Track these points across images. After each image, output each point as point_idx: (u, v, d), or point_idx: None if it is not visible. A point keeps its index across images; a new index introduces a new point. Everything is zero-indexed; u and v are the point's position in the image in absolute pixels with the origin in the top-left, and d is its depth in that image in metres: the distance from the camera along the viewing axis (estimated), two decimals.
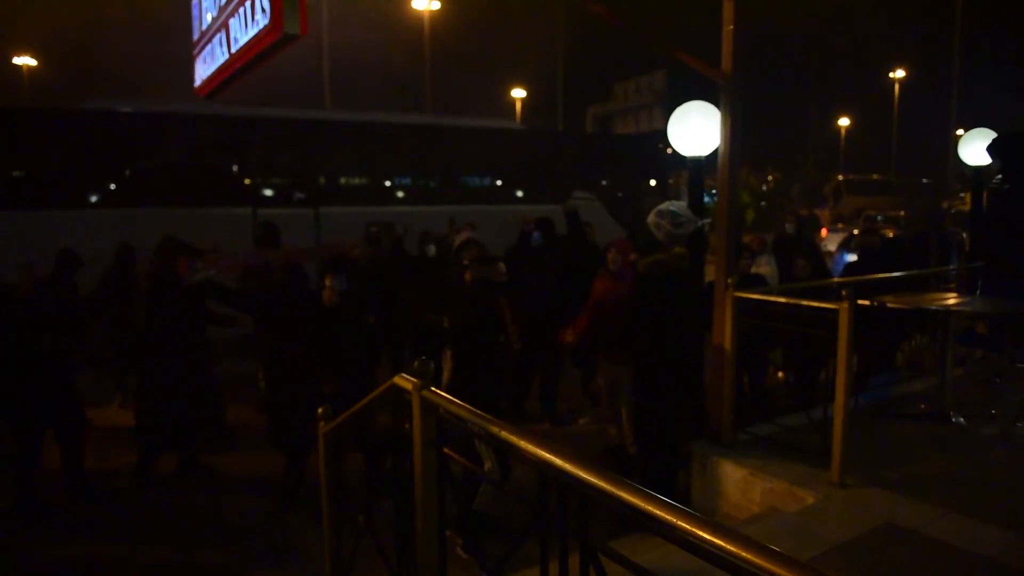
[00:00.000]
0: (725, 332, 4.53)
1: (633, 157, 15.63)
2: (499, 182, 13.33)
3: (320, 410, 3.24)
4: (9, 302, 5.05)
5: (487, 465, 4.14)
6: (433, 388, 2.28)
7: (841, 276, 7.47)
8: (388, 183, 12.32)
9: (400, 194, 12.40)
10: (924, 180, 33.91)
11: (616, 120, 23.34)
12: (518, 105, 36.48)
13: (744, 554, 1.27)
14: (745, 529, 3.57)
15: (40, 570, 4.35)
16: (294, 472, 5.02)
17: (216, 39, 4.77)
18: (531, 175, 13.12)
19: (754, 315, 4.57)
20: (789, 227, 9.62)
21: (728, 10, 4.46)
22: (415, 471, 2.36)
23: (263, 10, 3.71)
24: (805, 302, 4.29)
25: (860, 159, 40.50)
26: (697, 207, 4.87)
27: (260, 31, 3.80)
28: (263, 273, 6.66)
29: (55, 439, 5.09)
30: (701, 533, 1.37)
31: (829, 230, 20.06)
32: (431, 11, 24.06)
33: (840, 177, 32.80)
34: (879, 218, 20.10)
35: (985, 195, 7.07)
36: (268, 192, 10.97)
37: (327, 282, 5.00)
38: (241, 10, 4.07)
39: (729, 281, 4.51)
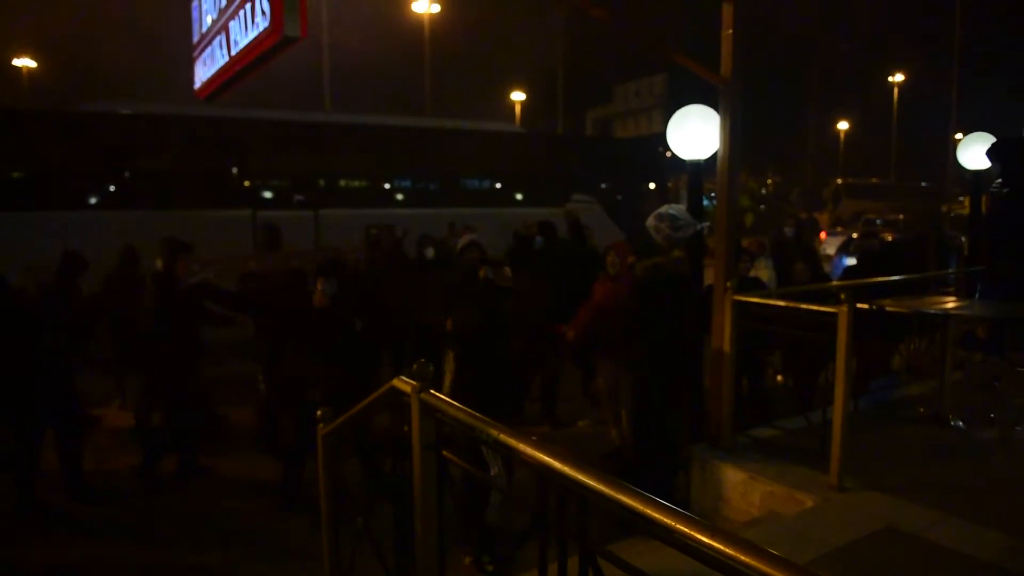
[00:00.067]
0: (724, 335, 4.53)
1: (632, 160, 15.65)
2: (498, 185, 13.34)
3: (319, 412, 3.24)
4: (16, 306, 5.06)
5: (493, 471, 4.09)
6: (432, 391, 2.28)
7: (840, 280, 7.46)
8: (387, 185, 12.33)
9: (399, 196, 12.41)
10: (923, 184, 33.87)
11: (616, 123, 23.39)
12: (518, 108, 36.46)
13: (743, 557, 1.27)
14: (744, 532, 3.57)
15: (40, 571, 4.35)
16: (292, 475, 5.02)
17: (216, 41, 4.77)
18: (530, 178, 13.13)
19: (753, 318, 4.57)
20: (788, 231, 9.62)
21: (727, 14, 4.47)
22: (414, 474, 2.35)
23: (263, 12, 3.72)
24: (804, 305, 4.28)
25: (859, 163, 40.44)
26: (696, 210, 4.87)
27: (260, 33, 3.81)
28: (263, 275, 6.65)
29: (55, 440, 5.09)
30: (700, 536, 1.37)
31: (828, 234, 20.00)
32: (431, 14, 24.08)
33: (839, 181, 32.75)
34: (878, 222, 20.13)
35: (984, 199, 7.07)
36: (268, 194, 10.99)
37: (319, 285, 5.04)
38: (241, 12, 4.08)
39: (728, 284, 4.51)
